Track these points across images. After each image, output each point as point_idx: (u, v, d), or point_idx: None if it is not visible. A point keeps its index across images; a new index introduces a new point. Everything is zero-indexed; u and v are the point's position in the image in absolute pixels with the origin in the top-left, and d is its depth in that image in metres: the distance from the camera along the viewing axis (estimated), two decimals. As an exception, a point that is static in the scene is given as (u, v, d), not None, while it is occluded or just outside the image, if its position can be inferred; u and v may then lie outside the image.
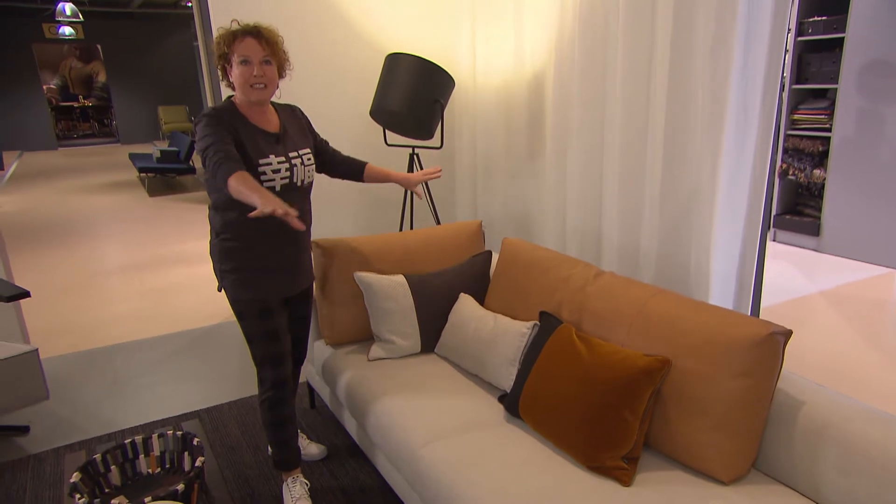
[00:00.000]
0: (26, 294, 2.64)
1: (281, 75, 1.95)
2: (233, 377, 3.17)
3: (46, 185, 9.33)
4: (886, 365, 3.07)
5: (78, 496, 1.59)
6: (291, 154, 1.97)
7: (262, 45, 1.84)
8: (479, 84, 3.57)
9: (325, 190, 3.53)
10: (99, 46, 14.63)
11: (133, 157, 9.00)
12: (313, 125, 2.18)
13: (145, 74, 14.66)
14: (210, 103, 4.84)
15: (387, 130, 3.61)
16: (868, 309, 3.75)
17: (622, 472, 1.58)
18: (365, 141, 3.60)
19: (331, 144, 3.63)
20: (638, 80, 2.49)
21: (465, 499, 1.56)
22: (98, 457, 1.77)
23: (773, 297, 3.98)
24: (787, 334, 1.54)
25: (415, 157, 3.39)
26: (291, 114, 2.08)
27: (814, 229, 4.89)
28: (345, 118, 3.53)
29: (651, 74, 2.45)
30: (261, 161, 1.88)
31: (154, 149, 8.72)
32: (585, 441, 1.63)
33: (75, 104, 16.55)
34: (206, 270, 5.00)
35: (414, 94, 2.98)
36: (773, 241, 5.21)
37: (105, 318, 4.05)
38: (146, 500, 1.55)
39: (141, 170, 8.29)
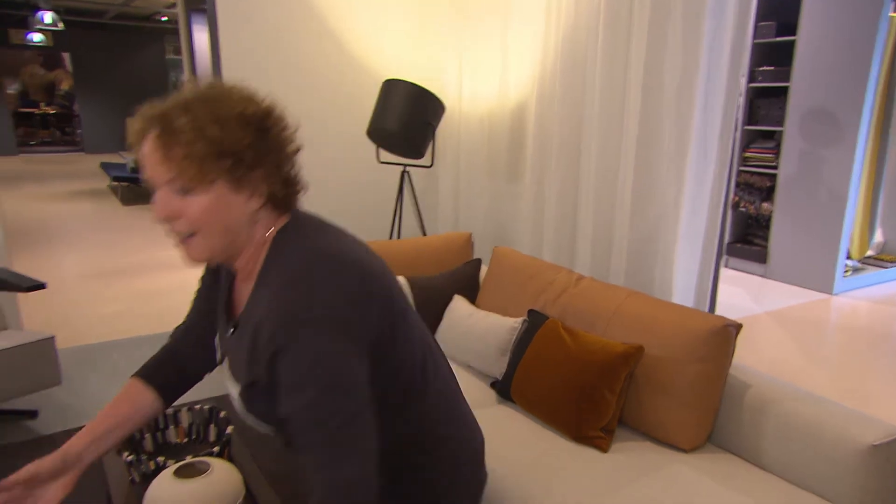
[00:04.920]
0: (42, 285, 2.80)
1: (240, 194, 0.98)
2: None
3: (11, 190, 9.23)
4: (821, 374, 3.46)
5: (126, 453, 1.78)
6: (230, 382, 1.15)
7: (158, 156, 0.94)
8: (465, 110, 3.89)
9: (324, 197, 3.78)
10: (66, 55, 14.54)
11: (105, 165, 9.03)
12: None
13: (114, 85, 14.61)
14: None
15: (380, 149, 3.89)
16: (807, 328, 4.17)
17: (601, 441, 1.86)
18: (357, 158, 3.87)
19: (326, 170, 3.77)
20: (612, 114, 2.83)
21: (469, 461, 1.82)
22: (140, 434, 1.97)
23: (725, 315, 4.36)
24: (738, 327, 1.86)
25: (406, 174, 3.67)
26: (268, 299, 0.96)
27: (762, 257, 5.34)
28: (341, 136, 3.80)
29: (624, 110, 2.79)
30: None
31: (127, 159, 8.78)
32: (570, 416, 1.91)
33: (36, 111, 16.30)
34: (191, 274, 5.14)
35: (408, 117, 3.27)
36: (726, 266, 5.65)
37: (98, 316, 4.17)
38: (188, 457, 1.76)
39: (115, 178, 8.33)
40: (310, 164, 3.77)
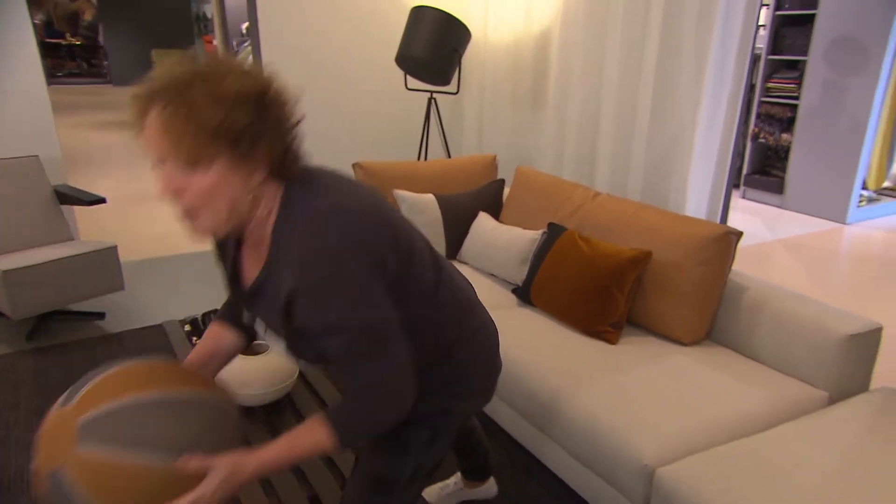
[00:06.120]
0: (103, 200, 3.06)
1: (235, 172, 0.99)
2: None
3: (48, 121, 9.50)
4: (829, 298, 3.65)
5: (195, 338, 2.06)
6: (272, 338, 1.19)
7: (162, 131, 0.96)
8: (491, 40, 3.99)
9: (355, 123, 3.97)
10: (91, -16, 14.50)
11: (136, 96, 9.21)
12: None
13: (139, 17, 14.62)
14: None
15: (408, 76, 4.02)
16: (818, 256, 4.33)
17: (610, 335, 2.10)
18: (386, 86, 4.02)
19: (358, 98, 3.97)
20: (633, 39, 2.94)
21: (492, 350, 2.07)
22: (199, 316, 2.24)
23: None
24: (739, 234, 2.05)
25: (433, 101, 3.82)
26: (287, 259, 1.03)
27: (779, 188, 5.45)
28: (371, 65, 3.94)
29: (645, 35, 2.90)
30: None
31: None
32: (583, 314, 2.14)
33: (62, 42, 16.39)
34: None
35: (436, 43, 3.39)
36: (743, 198, 5.77)
37: (146, 234, 4.47)
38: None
39: (146, 109, 8.54)
40: (342, 93, 3.94)
